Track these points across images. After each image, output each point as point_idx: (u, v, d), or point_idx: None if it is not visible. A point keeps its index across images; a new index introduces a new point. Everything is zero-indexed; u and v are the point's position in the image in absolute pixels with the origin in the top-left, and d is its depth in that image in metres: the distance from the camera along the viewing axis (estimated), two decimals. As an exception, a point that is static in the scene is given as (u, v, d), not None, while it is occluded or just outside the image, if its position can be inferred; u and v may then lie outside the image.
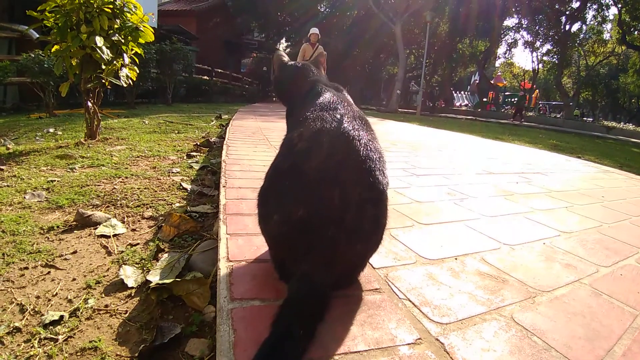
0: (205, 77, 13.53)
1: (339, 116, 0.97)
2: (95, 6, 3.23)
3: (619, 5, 20.09)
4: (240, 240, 1.23)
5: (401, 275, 1.10)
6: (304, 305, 0.79)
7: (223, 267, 1.05)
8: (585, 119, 25.33)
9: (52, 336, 1.02)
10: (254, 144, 3.44)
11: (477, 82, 30.37)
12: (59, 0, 3.08)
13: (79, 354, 0.98)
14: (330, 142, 0.92)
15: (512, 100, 30.69)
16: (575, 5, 21.46)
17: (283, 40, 25.73)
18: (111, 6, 3.32)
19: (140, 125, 5.32)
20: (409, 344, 0.80)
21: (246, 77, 18.21)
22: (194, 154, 3.63)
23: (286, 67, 1.38)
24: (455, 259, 1.26)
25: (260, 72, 18.34)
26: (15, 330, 1.02)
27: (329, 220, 0.86)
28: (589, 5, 21.45)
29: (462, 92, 36.35)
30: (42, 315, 1.10)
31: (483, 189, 2.38)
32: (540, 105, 29.83)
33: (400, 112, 19.00)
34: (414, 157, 3.52)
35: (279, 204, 0.92)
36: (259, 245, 1.20)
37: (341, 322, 0.85)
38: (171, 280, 1.22)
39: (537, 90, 30.84)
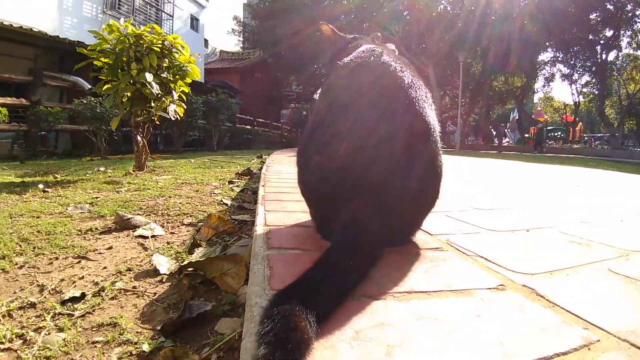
0: (248, 127, 14.17)
1: (377, 52, 0.88)
2: (144, 46, 3.48)
3: (652, 29, 19.22)
4: (279, 215, 1.13)
5: (465, 240, 0.93)
6: (353, 245, 0.67)
7: (260, 230, 0.94)
8: (633, 148, 23.59)
9: (68, 312, 0.93)
10: (292, 165, 3.41)
11: (516, 118, 29.56)
12: (109, 40, 3.35)
13: (94, 329, 0.88)
14: (371, 73, 0.83)
15: (556, 134, 29.36)
16: (609, 33, 20.78)
17: (319, 91, 26.78)
18: (160, 45, 3.57)
19: (186, 164, 5.51)
20: (489, 288, 0.63)
21: (285, 126, 18.92)
22: (236, 180, 3.64)
23: (339, 40, 1.33)
24: (527, 230, 1.07)
25: (299, 119, 19.01)
26: (28, 306, 0.93)
27: (377, 155, 0.74)
28: (622, 32, 20.68)
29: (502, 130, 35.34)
30: (62, 294, 1.02)
31: (546, 188, 2.14)
32: (586, 137, 28.26)
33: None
34: (474, 174, 3.32)
35: (320, 145, 0.82)
36: (299, 218, 1.08)
37: (399, 269, 0.70)
38: (204, 259, 1.12)
39: (581, 123, 29.39)
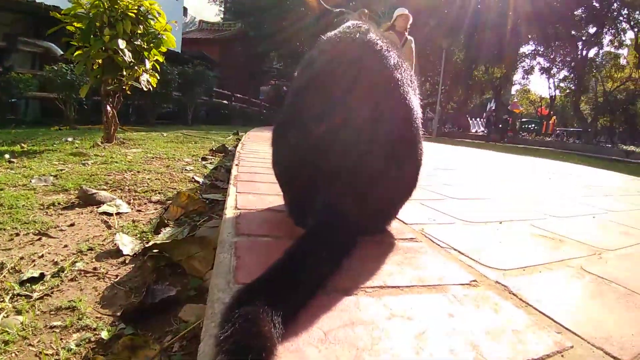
0: (225, 101, 13.77)
1: (364, 29, 0.83)
2: (119, 11, 3.26)
3: (636, 30, 19.78)
4: (252, 197, 1.08)
5: (440, 231, 0.92)
6: (328, 233, 0.63)
7: (230, 213, 0.89)
8: (605, 144, 24.61)
9: (26, 293, 0.89)
10: (268, 144, 3.33)
11: (492, 109, 30.13)
12: (84, 4, 3.13)
13: (52, 312, 0.84)
14: (355, 52, 0.78)
15: (530, 126, 30.18)
16: (592, 30, 21.28)
17: (299, 65, 26.30)
18: (135, 11, 3.35)
19: (158, 137, 5.32)
20: (462, 284, 0.62)
21: (264, 103, 18.51)
22: (209, 157, 3.53)
23: (324, 12, 1.29)
24: (500, 222, 1.08)
25: (279, 96, 18.47)
26: None
27: (356, 139, 0.71)
28: (605, 30, 21.21)
29: (478, 119, 35.99)
30: (22, 273, 0.97)
31: (518, 179, 2.18)
32: (558, 131, 29.22)
33: (417, 137, 18.77)
34: (443, 162, 3.35)
35: (297, 124, 0.77)
36: (272, 201, 1.04)
37: (373, 261, 0.68)
38: (170, 240, 1.07)
39: (555, 117, 30.28)
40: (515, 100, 34.75)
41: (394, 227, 0.90)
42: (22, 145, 3.32)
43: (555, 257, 0.81)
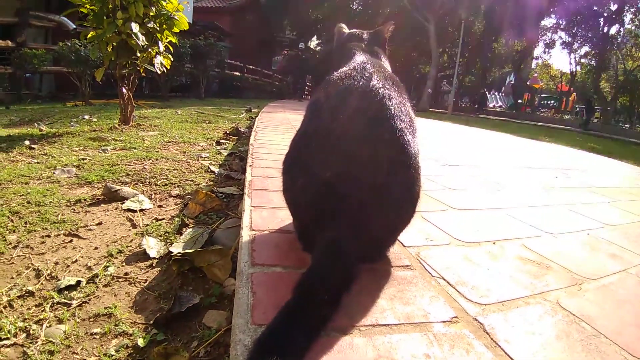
0: (237, 73, 13.69)
1: (367, 74, 0.90)
2: (131, -7, 3.28)
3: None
4: (265, 212, 1.19)
5: (434, 255, 1.02)
6: (329, 272, 0.73)
7: (245, 235, 1.00)
8: (623, 125, 23.89)
9: (65, 301, 0.99)
10: (281, 131, 3.41)
11: (512, 83, 29.25)
12: (97, -14, 3.16)
13: (91, 319, 0.95)
14: (359, 100, 0.85)
15: (549, 103, 29.35)
16: (613, 7, 20.36)
17: (314, 38, 25.81)
18: (147, -7, 3.37)
19: (173, 115, 5.42)
20: (444, 321, 0.73)
21: (277, 74, 18.29)
22: (223, 141, 3.64)
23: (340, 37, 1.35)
24: (494, 243, 1.17)
25: (294, 67, 17.98)
26: (27, 294, 0.99)
27: (359, 182, 0.80)
28: (627, 7, 20.32)
29: (496, 93, 35.03)
30: (58, 280, 1.07)
31: (520, 181, 2.24)
32: (578, 108, 28.39)
33: (431, 111, 18.57)
34: (446, 150, 3.39)
35: (305, 167, 0.86)
36: (283, 218, 1.15)
37: (369, 294, 0.78)
38: (193, 250, 1.19)
39: (575, 94, 29.34)
40: (535, 74, 33.67)
41: (393, 251, 1.00)
42: (41, 128, 3.47)
43: (537, 288, 0.90)
